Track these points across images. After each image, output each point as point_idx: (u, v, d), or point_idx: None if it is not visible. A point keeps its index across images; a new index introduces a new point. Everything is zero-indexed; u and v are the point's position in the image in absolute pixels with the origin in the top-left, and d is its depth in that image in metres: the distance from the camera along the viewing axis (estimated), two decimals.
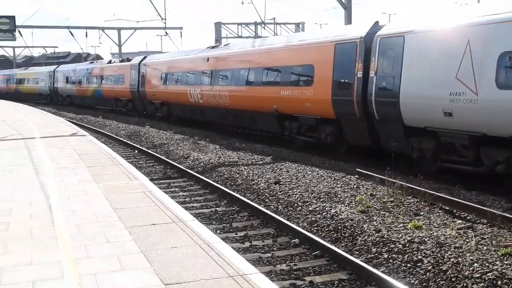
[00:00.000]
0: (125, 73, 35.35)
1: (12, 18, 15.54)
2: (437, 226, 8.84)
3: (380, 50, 14.27)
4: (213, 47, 25.37)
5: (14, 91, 63.71)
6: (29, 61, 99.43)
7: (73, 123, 27.15)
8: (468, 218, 9.42)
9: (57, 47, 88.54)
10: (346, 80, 15.58)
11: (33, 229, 6.91)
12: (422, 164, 13.48)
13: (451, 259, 7.18)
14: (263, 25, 40.16)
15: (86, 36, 54.65)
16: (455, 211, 9.82)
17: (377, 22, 15.31)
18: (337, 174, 13.40)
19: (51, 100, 53.73)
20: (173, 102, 28.49)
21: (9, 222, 7.26)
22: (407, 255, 7.61)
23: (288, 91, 17.98)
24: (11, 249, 6.15)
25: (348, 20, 26.73)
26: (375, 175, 12.52)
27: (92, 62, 46.32)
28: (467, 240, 7.93)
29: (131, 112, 35.68)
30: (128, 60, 37.16)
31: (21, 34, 55.04)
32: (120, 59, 39.79)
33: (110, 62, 40.53)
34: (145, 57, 33.81)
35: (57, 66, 54.04)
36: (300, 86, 17.52)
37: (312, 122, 17.30)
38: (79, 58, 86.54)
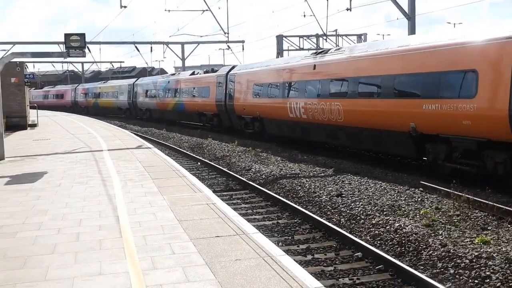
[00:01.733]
0: (210, 85, 32.55)
1: (83, 35, 16.13)
2: (506, 241, 8.56)
3: None
4: (320, 52, 21.55)
5: (93, 105, 62.35)
6: (97, 76, 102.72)
7: (138, 135, 27.86)
8: None
9: (123, 62, 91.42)
10: None
11: (102, 240, 7.14)
12: None
13: None
14: (324, 37, 40.09)
15: (151, 51, 56.05)
16: None
17: None
18: (401, 186, 13.19)
19: (130, 114, 52.06)
20: (268, 117, 25.09)
21: (79, 233, 7.53)
22: (474, 271, 7.41)
23: (434, 105, 14.07)
24: (81, 259, 6.37)
25: (412, 30, 26.33)
26: (441, 188, 12.26)
27: (173, 74, 43.79)
28: None
29: (217, 128, 32.72)
30: (213, 70, 34.19)
31: (89, 50, 57.20)
32: (205, 70, 36.82)
33: (193, 73, 37.72)
34: (233, 67, 30.92)
35: (137, 79, 52.36)
36: (453, 99, 13.59)
37: (472, 145, 13.41)
38: (144, 72, 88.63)
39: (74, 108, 67.48)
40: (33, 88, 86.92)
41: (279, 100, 23.36)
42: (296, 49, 42.12)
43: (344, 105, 18.20)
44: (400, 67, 15.71)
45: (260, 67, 26.41)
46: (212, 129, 33.29)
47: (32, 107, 41.35)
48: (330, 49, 20.44)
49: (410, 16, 26.62)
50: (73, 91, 69.81)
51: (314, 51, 23.10)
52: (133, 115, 51.10)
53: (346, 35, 43.07)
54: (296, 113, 21.62)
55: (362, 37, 42.77)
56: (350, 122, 18.04)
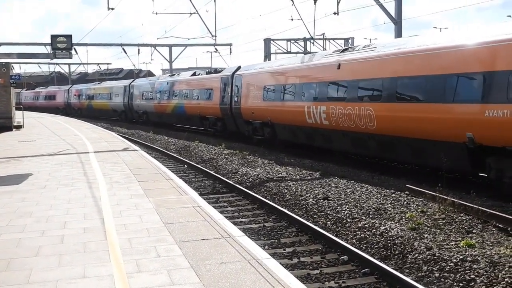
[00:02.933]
0: (214, 87, 29.91)
1: (69, 37, 16.07)
2: (490, 244, 8.62)
3: None
4: (345, 50, 18.91)
5: (87, 108, 59.43)
6: (84, 78, 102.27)
7: (124, 137, 27.74)
8: None
9: (110, 63, 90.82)
10: None
11: (87, 243, 7.09)
12: None
13: (506, 279, 6.99)
14: (312, 41, 40.18)
15: (139, 53, 55.83)
16: (509, 229, 9.56)
17: None
18: (387, 190, 13.24)
19: (125, 117, 49.23)
20: (280, 123, 22.43)
21: (63, 235, 7.47)
22: (459, 274, 7.45)
23: (502, 111, 11.63)
24: (66, 262, 6.32)
25: (398, 35, 26.47)
26: (426, 191, 12.33)
27: (173, 75, 40.17)
28: None
29: (220, 133, 30.10)
30: (217, 71, 31.66)
31: (76, 52, 56.71)
32: (207, 70, 33.81)
33: (194, 74, 34.99)
34: (239, 67, 28.21)
35: (133, 80, 49.71)
36: None
37: None
38: (131, 74, 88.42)
39: (67, 110, 65.41)
40: (25, 88, 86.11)
41: (295, 103, 20.80)
42: (284, 52, 42.18)
43: (377, 110, 15.83)
44: (457, 66, 13.10)
45: (272, 67, 24.00)
46: (215, 134, 30.74)
47: (17, 108, 41.03)
48: (356, 46, 18.24)
49: (397, 20, 26.76)
50: (66, 92, 67.22)
51: (337, 49, 19.35)
52: (128, 118, 48.53)
53: (333, 39, 43.21)
54: (316, 118, 19.08)
55: (349, 40, 42.95)
56: (384, 129, 15.65)
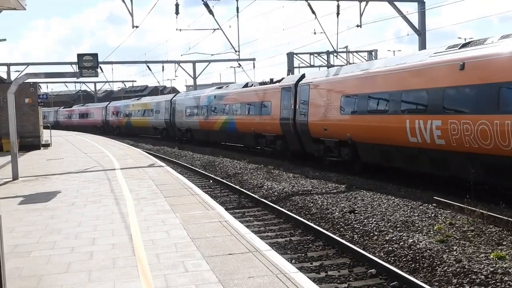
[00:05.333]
0: (272, 99, 25.83)
1: (95, 55, 16.29)
2: None
3: None
4: (466, 45, 14.52)
5: (125, 125, 56.03)
6: (109, 95, 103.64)
7: (150, 154, 27.97)
8: None
9: (135, 81, 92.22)
10: None
11: (115, 258, 7.16)
12: None
13: None
14: (335, 54, 40.19)
15: (163, 69, 56.54)
16: None
17: None
18: (414, 202, 13.12)
19: (167, 134, 45.21)
20: (366, 141, 18.23)
21: (92, 252, 7.56)
22: (490, 287, 7.33)
23: None
24: (95, 277, 6.39)
25: (423, 46, 26.36)
26: (454, 203, 12.18)
27: (221, 87, 36.13)
28: None
29: (280, 152, 25.80)
30: (273, 81, 27.75)
31: (102, 70, 57.42)
32: (262, 80, 29.90)
33: (246, 85, 30.88)
34: (303, 76, 24.34)
35: (175, 94, 46.33)
36: None
37: None
38: (155, 91, 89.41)
39: (105, 128, 62.88)
40: (62, 107, 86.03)
41: (390, 117, 16.54)
42: (307, 66, 42.24)
43: None
44: None
45: (353, 72, 19.50)
46: (274, 154, 26.44)
47: (45, 127, 41.67)
48: (485, 39, 13.99)
49: (421, 31, 26.66)
50: (104, 109, 63.64)
51: (452, 44, 15.27)
52: (171, 136, 44.37)
53: (356, 52, 43.16)
54: (424, 135, 14.93)
55: (373, 53, 42.86)
56: None
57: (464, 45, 14.51)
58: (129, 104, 55.86)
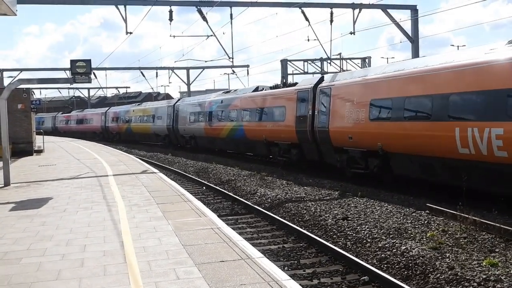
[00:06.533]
0: (287, 104, 23.61)
1: (88, 61, 16.24)
2: None
3: None
4: None
5: (126, 131, 54.18)
6: (103, 101, 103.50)
7: (143, 160, 27.89)
8: None
9: (129, 87, 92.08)
10: None
11: (106, 266, 7.11)
12: None
13: None
14: (329, 61, 40.29)
15: (157, 76, 56.52)
16: None
17: None
18: (407, 209, 13.13)
19: (169, 141, 43.05)
20: (401, 152, 15.98)
21: (83, 259, 7.50)
22: None
23: None
24: (86, 285, 6.33)
25: (416, 53, 26.46)
26: (447, 210, 12.19)
27: (228, 92, 33.73)
28: None
29: (296, 162, 23.56)
30: (286, 85, 25.93)
31: (95, 76, 57.26)
32: (272, 85, 27.79)
33: (257, 89, 28.53)
34: (322, 78, 21.95)
35: (179, 99, 44.10)
36: None
37: None
38: (149, 97, 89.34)
39: (104, 134, 61.18)
40: (60, 112, 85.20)
41: (434, 124, 14.33)
42: (301, 73, 42.33)
43: None
44: None
45: (385, 73, 17.15)
46: (288, 164, 23.97)
47: (38, 133, 41.51)
48: None
49: (414, 39, 26.77)
50: (103, 115, 61.52)
51: None
52: (173, 143, 42.30)
53: (350, 59, 43.29)
54: (480, 146, 12.70)
55: (366, 60, 43.02)
56: None
57: None
58: (129, 109, 53.77)
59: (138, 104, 54.86)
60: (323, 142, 20.62)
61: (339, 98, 19.54)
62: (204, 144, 35.53)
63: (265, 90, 27.49)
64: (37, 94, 66.71)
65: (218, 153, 33.03)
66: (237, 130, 28.95)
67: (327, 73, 37.00)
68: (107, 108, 64.75)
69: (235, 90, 32.69)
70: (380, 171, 17.52)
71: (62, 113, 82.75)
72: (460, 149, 13.31)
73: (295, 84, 24.89)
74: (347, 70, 39.34)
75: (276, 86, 27.17)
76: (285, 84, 26.21)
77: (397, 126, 15.92)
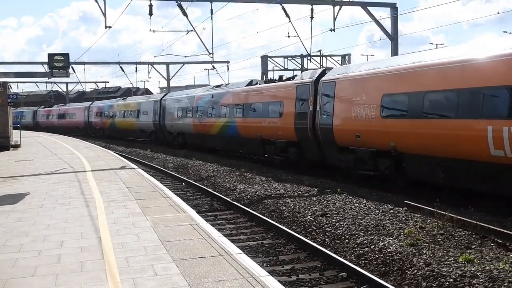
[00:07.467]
0: (284, 99, 21.81)
1: (66, 55, 16.11)
2: (489, 259, 8.59)
3: None
4: None
5: (110, 127, 52.04)
6: (81, 96, 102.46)
7: (122, 156, 27.71)
8: None
9: (108, 82, 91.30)
10: None
11: (83, 262, 7.04)
12: None
13: None
14: (309, 58, 40.38)
15: (136, 71, 56.15)
16: (508, 244, 9.53)
17: None
18: (385, 206, 13.22)
19: (156, 138, 41.15)
20: (419, 153, 14.49)
21: (60, 255, 7.42)
22: None
23: None
24: (62, 281, 6.27)
25: (395, 51, 26.63)
26: (424, 207, 12.30)
27: (219, 86, 31.49)
28: None
29: (294, 161, 21.98)
30: (282, 79, 24.05)
31: (74, 70, 56.57)
32: (267, 79, 25.12)
33: (251, 83, 26.47)
34: (324, 71, 20.34)
35: (165, 94, 41.71)
36: None
37: None
38: (128, 92, 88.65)
39: (88, 130, 59.00)
40: (42, 106, 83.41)
41: (460, 122, 12.87)
42: (281, 69, 42.40)
43: None
44: None
45: (399, 65, 15.50)
46: (287, 164, 22.34)
47: (15, 128, 40.97)
48: None
49: (393, 37, 26.93)
50: (86, 110, 59.24)
51: None
52: (160, 140, 40.33)
53: (330, 56, 43.46)
54: None
55: (346, 57, 43.24)
56: None
57: None
58: (113, 104, 51.57)
59: (123, 99, 52.97)
60: (326, 141, 18.97)
61: (345, 93, 17.81)
62: (193, 141, 33.83)
63: (259, 84, 25.86)
64: (14, 88, 65.80)
65: (198, 149, 32.87)
66: (229, 127, 26.97)
67: (307, 69, 37.05)
68: (90, 102, 62.71)
69: (227, 84, 30.73)
70: (391, 173, 16.08)
71: (43, 107, 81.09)
72: (492, 151, 11.84)
73: (293, 77, 23.19)
74: (327, 67, 39.34)
75: (271, 80, 25.78)
76: (280, 78, 24.41)
77: (414, 124, 14.40)
